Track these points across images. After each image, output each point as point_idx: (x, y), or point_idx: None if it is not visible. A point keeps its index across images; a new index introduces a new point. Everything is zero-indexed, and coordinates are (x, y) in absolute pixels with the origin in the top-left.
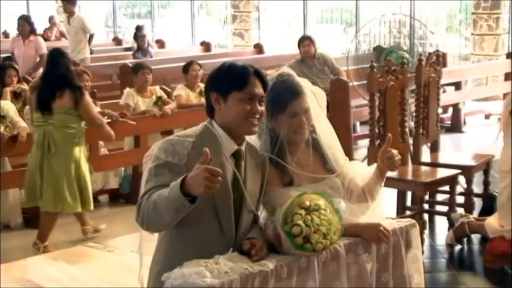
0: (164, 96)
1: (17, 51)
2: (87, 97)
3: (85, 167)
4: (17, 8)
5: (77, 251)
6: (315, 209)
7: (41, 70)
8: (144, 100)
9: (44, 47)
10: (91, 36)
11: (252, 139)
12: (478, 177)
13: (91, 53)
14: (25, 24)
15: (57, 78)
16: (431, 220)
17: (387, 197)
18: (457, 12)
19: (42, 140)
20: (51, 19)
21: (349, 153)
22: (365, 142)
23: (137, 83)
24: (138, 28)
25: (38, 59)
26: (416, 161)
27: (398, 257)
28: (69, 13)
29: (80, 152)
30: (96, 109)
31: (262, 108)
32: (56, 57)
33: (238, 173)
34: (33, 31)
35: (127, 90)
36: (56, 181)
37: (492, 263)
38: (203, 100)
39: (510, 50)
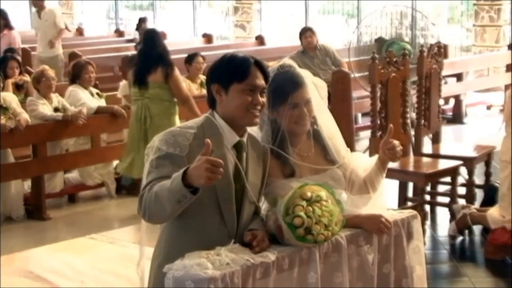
0: None
1: None
2: (177, 73)
3: None
4: (19, 1)
5: (79, 242)
6: (316, 200)
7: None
8: None
9: (19, 41)
10: (60, 32)
11: (253, 130)
12: (479, 168)
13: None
14: None
15: (153, 55)
16: (433, 211)
17: (389, 188)
18: (459, 3)
19: (140, 113)
20: None
21: (350, 144)
22: (367, 133)
23: None
24: (141, 20)
25: None
26: (418, 152)
27: (399, 248)
28: (39, 7)
29: (175, 123)
30: (184, 85)
31: (263, 99)
32: (153, 36)
33: (239, 165)
34: (7, 25)
35: (123, 82)
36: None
37: (494, 254)
38: (204, 91)
39: None
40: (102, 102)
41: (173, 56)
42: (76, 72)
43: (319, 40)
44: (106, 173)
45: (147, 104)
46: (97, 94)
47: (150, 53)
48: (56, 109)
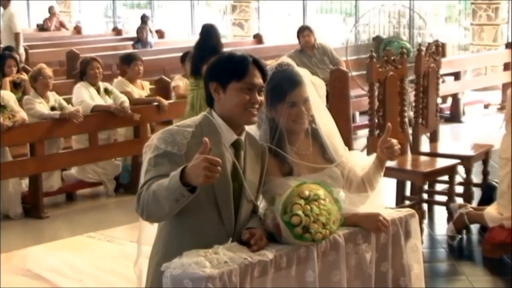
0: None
1: None
2: None
3: None
4: (19, 1)
5: (77, 241)
6: (314, 199)
7: None
8: (137, 89)
9: None
10: (16, 35)
11: (251, 129)
12: (477, 167)
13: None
14: None
15: (208, 47)
16: (430, 210)
17: (387, 187)
18: (457, 2)
19: (194, 102)
20: (51, 9)
21: (348, 143)
22: (365, 132)
23: (129, 74)
24: (144, 18)
25: None
26: (416, 151)
27: (397, 246)
28: (3, 6)
29: None
30: None
31: (261, 98)
32: (209, 29)
33: (237, 163)
34: None
35: (119, 79)
36: None
37: (491, 253)
38: None
39: (509, 40)
40: (107, 99)
41: (170, 55)
42: (83, 69)
43: (317, 39)
44: (102, 172)
45: (201, 94)
46: (105, 90)
47: (205, 45)
48: (52, 108)
